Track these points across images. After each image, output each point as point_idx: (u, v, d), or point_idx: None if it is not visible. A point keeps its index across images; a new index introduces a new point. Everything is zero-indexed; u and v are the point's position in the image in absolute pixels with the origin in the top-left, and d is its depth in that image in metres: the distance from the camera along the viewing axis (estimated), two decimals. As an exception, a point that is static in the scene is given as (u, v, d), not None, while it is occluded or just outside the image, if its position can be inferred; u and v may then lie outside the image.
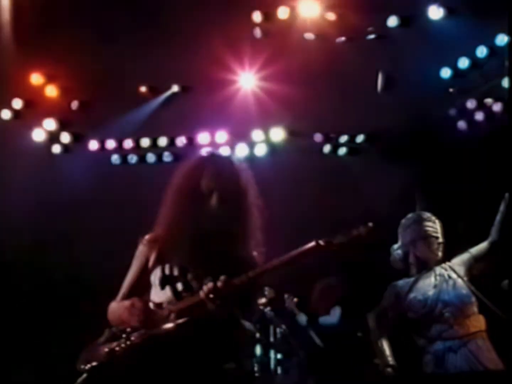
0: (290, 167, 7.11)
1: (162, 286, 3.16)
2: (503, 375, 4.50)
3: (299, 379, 6.13)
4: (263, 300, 5.84)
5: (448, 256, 4.98)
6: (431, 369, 4.67)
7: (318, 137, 7.31)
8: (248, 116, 7.16)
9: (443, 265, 4.92)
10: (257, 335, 5.81)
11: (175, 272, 3.16)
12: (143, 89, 7.24)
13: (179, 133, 7.37)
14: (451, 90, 6.82)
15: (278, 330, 6.07)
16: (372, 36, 6.64)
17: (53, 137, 7.40)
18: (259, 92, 7.11)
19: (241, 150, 7.28)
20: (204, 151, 4.18)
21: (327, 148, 7.38)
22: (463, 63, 6.68)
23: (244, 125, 7.27)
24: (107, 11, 6.60)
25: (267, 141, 7.37)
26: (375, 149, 7.22)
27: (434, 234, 4.96)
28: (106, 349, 3.06)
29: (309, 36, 6.76)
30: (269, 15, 6.77)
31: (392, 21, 6.60)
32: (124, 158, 7.51)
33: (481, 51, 6.53)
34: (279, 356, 6.14)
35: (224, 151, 6.85)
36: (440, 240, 4.97)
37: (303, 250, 3.04)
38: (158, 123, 7.31)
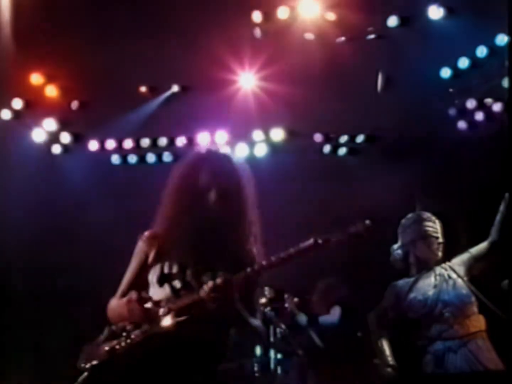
0: (290, 167, 7.11)
1: (161, 284, 3.17)
2: (503, 375, 4.50)
3: (299, 379, 6.13)
4: (263, 300, 5.84)
5: (448, 256, 4.99)
6: (431, 369, 4.68)
7: (318, 137, 7.31)
8: (248, 116, 7.16)
9: (443, 265, 4.93)
10: (265, 332, 5.79)
11: (174, 270, 3.16)
12: (143, 89, 7.23)
13: (179, 133, 7.37)
14: (451, 90, 6.83)
15: (278, 330, 6.07)
16: (372, 36, 6.64)
17: (53, 137, 7.40)
18: (259, 92, 7.10)
19: (241, 150, 7.28)
20: (201, 148, 4.18)
21: (327, 148, 7.38)
22: (463, 63, 6.68)
23: (244, 125, 7.27)
24: (107, 11, 6.59)
25: (267, 141, 7.38)
26: (375, 149, 7.22)
27: (434, 234, 4.97)
28: (107, 348, 3.06)
29: (309, 36, 6.75)
30: (269, 15, 6.75)
31: (392, 21, 6.60)
32: (124, 158, 7.51)
33: (481, 51, 6.53)
34: (279, 356, 6.13)
35: (224, 150, 6.84)
36: (440, 240, 4.97)
37: (302, 248, 3.05)
38: (158, 123, 7.31)
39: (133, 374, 3.04)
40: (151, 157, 7.46)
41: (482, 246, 4.88)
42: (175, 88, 7.23)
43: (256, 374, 6.00)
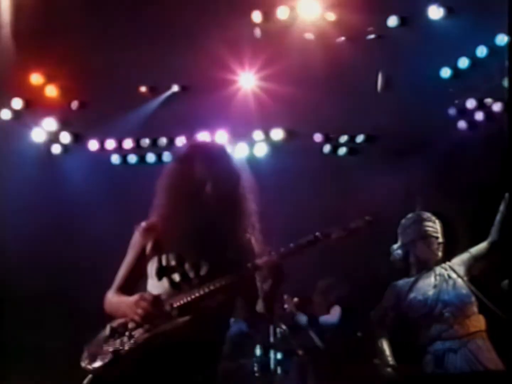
0: (290, 167, 7.11)
1: (159, 277, 3.16)
2: (503, 375, 4.50)
3: (299, 379, 6.12)
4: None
5: (448, 256, 4.99)
6: (431, 369, 4.68)
7: (318, 137, 7.31)
8: (248, 116, 7.15)
9: (443, 265, 4.93)
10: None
11: (172, 262, 3.16)
12: (143, 89, 7.23)
13: (179, 133, 7.36)
14: (451, 90, 6.83)
15: (278, 330, 6.07)
16: (372, 36, 6.63)
17: (53, 137, 7.40)
18: (259, 92, 7.10)
19: (241, 150, 7.28)
20: (196, 140, 4.18)
21: (327, 148, 7.38)
22: (463, 63, 6.67)
23: (244, 125, 7.27)
24: (107, 11, 6.60)
25: (267, 141, 7.38)
26: (375, 149, 7.22)
27: (434, 234, 4.97)
28: (111, 349, 3.03)
29: (309, 36, 6.75)
30: (269, 15, 6.75)
31: (392, 21, 6.59)
32: (124, 158, 7.51)
33: (481, 51, 6.52)
34: (279, 356, 6.13)
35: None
36: (440, 240, 4.98)
37: (301, 244, 3.07)
38: (158, 123, 7.30)
39: (135, 374, 3.03)
40: (151, 157, 7.46)
41: (482, 246, 4.88)
42: (175, 88, 7.23)
43: (256, 374, 5.99)
